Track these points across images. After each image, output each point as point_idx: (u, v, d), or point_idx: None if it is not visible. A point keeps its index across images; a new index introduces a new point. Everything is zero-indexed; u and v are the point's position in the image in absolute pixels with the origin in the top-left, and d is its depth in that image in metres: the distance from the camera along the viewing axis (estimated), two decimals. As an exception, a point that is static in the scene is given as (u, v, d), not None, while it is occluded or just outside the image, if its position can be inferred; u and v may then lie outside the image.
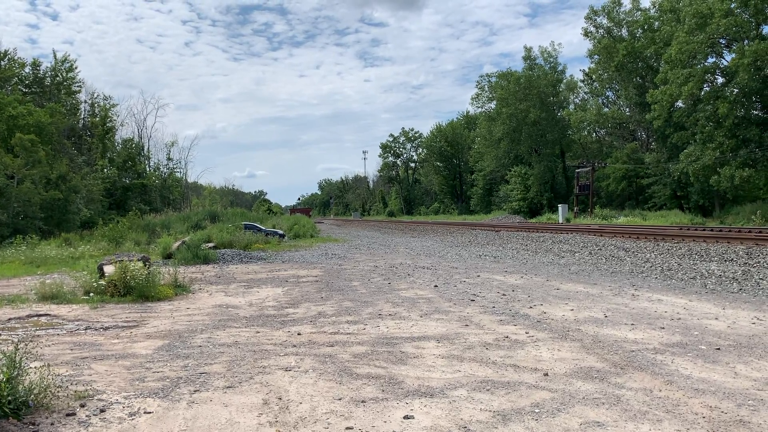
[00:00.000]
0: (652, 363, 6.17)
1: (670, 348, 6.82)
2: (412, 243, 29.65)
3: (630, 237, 23.84)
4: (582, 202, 55.10)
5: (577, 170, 55.09)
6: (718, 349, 6.77)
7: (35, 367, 5.37)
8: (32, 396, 4.81)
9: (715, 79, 41.08)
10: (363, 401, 5.06)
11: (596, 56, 55.41)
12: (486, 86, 76.36)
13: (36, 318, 9.50)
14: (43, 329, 8.53)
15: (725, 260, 15.65)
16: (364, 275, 15.14)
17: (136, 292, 11.22)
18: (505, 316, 8.91)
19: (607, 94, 61.59)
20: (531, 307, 9.67)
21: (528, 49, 68.14)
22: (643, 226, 30.99)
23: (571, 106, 66.86)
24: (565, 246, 22.76)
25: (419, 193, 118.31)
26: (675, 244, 19.78)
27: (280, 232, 34.01)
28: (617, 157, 54.97)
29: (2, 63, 46.01)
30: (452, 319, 8.80)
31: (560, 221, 47.32)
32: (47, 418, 4.69)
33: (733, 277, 12.80)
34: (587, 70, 62.28)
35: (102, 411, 4.87)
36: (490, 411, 4.80)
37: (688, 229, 26.26)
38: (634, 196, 54.49)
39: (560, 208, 49.97)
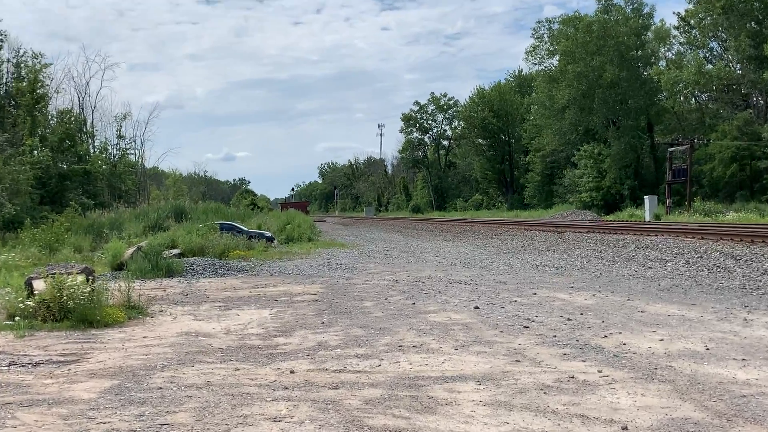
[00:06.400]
0: (771, 413, 6.12)
1: (795, 393, 6.74)
2: (444, 249, 29.61)
3: (742, 240, 23.58)
4: (676, 192, 54.60)
5: (669, 149, 54.60)
6: None
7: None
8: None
9: None
10: (377, 463, 5.08)
11: (696, -7, 54.93)
12: (546, 35, 76.07)
13: (-55, 350, 9.64)
14: (-46, 365, 8.67)
15: None
16: (379, 293, 15.16)
17: (75, 315, 11.32)
18: (570, 349, 8.88)
19: (711, 45, 61.01)
20: (605, 337, 9.63)
21: (603, -15, 67.75)
22: (760, 226, 30.64)
23: (662, 63, 66.31)
24: (652, 252, 22.59)
25: (455, 182, 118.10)
26: (804, 250, 19.55)
27: (268, 234, 34.15)
28: (725, 131, 54.37)
29: None
30: (498, 352, 8.79)
31: (647, 218, 46.98)
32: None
33: None
34: (684, 13, 61.73)
35: (31, 474, 4.95)
36: (549, 478, 4.79)
37: (823, 230, 25.89)
38: (748, 185, 53.87)
39: (647, 201, 49.59)
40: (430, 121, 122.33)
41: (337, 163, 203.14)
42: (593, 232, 33.92)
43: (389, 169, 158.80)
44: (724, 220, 39.45)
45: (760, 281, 15.36)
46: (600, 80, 63.40)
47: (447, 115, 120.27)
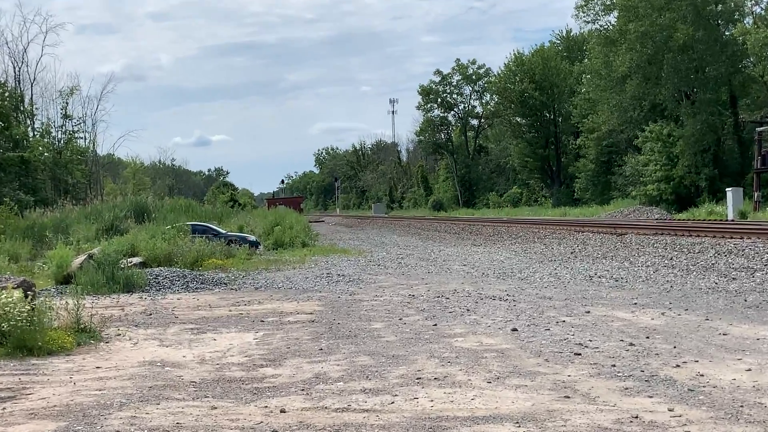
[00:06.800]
0: None
1: None
2: (473, 256, 29.60)
3: None
4: (767, 183, 54.31)
5: (758, 129, 54.33)
6: None
7: None
8: None
9: None
10: None
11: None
12: (601, -13, 75.73)
13: None
14: None
15: None
16: (391, 311, 15.17)
17: (11, 340, 11.36)
18: (633, 381, 8.86)
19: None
20: (678, 366, 9.59)
21: None
22: None
23: (748, 20, 65.97)
24: (737, 260, 22.51)
25: (486, 171, 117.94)
26: None
27: (252, 238, 34.27)
28: (829, 106, 54.08)
29: None
30: (542, 386, 8.78)
31: (730, 217, 46.81)
32: None
33: None
34: (776, -43, 61.39)
35: None
36: None
37: None
38: None
39: (729, 195, 49.35)
40: (455, 95, 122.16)
41: (338, 148, 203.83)
42: (662, 234, 33.80)
43: (404, 156, 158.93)
44: (828, 219, 39.25)
45: None
46: (670, 42, 63.07)
47: (476, 88, 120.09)
